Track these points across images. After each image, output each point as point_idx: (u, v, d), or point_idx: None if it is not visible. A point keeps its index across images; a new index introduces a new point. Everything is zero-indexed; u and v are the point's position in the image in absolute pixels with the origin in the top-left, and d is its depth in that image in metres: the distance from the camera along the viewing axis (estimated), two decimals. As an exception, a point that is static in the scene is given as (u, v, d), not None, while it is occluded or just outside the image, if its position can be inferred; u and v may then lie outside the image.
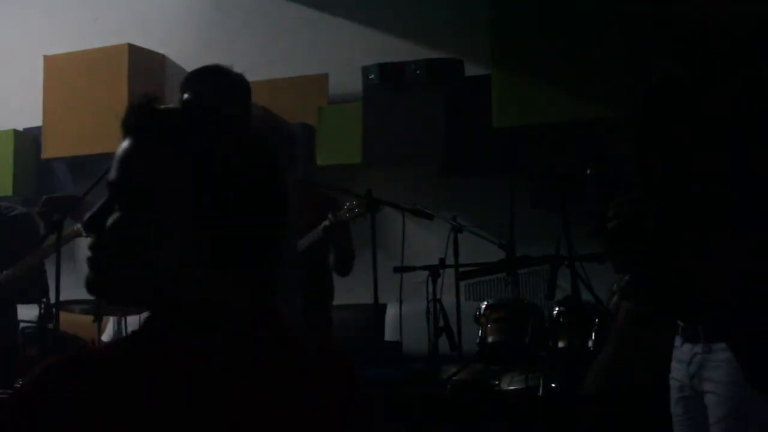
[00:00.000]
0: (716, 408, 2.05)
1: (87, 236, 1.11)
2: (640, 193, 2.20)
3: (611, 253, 2.29)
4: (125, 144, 1.10)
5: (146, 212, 1.07)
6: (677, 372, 2.19)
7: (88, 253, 1.10)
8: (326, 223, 3.75)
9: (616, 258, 2.33)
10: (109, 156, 1.13)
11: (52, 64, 6.20)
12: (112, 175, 1.09)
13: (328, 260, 3.86)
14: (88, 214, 1.11)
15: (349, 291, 4.41)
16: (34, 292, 3.78)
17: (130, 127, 1.10)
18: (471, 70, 5.32)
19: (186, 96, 2.80)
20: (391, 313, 5.05)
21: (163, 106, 1.12)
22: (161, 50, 6.33)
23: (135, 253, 1.07)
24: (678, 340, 2.19)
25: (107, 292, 1.12)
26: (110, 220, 1.08)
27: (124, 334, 3.34)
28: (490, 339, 3.67)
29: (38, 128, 6.22)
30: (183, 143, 1.08)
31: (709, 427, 2.08)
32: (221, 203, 1.06)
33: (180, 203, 1.06)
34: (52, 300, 3.69)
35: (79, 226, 3.65)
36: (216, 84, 2.79)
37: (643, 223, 2.18)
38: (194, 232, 1.06)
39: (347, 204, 3.79)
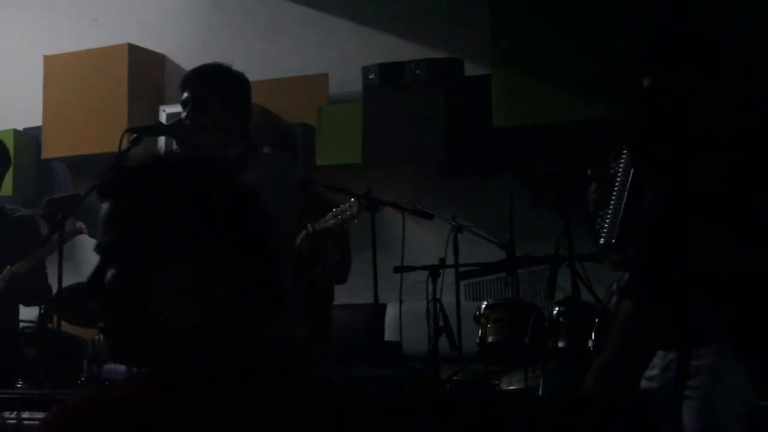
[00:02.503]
0: (692, 418, 2.08)
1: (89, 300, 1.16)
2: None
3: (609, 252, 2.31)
4: (106, 207, 1.15)
5: (140, 265, 1.11)
6: (653, 370, 2.23)
7: (100, 324, 1.14)
8: (306, 231, 3.53)
9: (614, 258, 2.34)
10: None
11: (52, 64, 6.19)
12: (101, 238, 1.14)
13: (324, 264, 3.75)
14: (88, 277, 1.15)
15: (349, 291, 4.41)
16: (37, 293, 3.77)
17: (107, 191, 1.16)
18: (471, 70, 5.32)
19: (186, 95, 2.79)
20: (391, 313, 5.05)
21: (133, 163, 1.18)
22: (161, 50, 6.33)
23: (140, 304, 1.11)
24: None
25: (129, 354, 1.15)
26: (108, 278, 1.12)
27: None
28: (490, 339, 3.67)
29: (38, 128, 6.21)
30: (159, 198, 1.13)
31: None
32: (205, 246, 1.11)
33: (169, 252, 1.11)
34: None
35: (80, 223, 3.64)
36: (216, 82, 2.78)
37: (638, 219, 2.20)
38: (187, 277, 1.11)
39: (333, 210, 3.57)
